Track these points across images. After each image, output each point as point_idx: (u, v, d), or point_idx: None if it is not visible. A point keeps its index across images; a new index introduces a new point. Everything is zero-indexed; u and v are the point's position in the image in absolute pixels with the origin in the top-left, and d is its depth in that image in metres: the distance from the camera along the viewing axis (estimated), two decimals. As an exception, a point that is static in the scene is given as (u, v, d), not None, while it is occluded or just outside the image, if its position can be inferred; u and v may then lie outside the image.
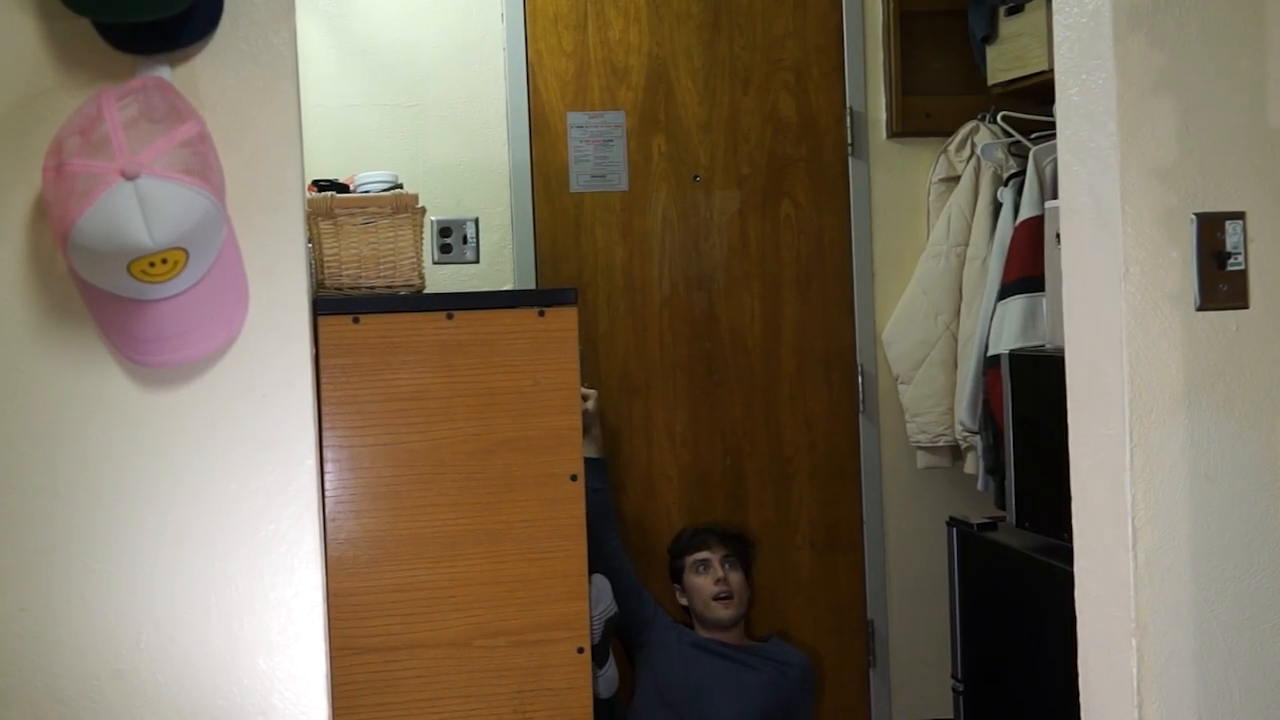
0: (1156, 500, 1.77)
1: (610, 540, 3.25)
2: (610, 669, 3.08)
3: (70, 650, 1.73)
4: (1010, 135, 3.37)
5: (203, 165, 1.60)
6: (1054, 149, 2.27)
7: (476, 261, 3.39)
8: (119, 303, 1.65)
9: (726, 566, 3.35)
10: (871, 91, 3.63)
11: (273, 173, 1.77)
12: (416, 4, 3.40)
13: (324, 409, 2.27)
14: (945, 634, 3.19)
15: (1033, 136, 3.29)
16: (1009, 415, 2.84)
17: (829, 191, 3.63)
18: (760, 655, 3.35)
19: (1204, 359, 1.78)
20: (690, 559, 3.39)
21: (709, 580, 3.35)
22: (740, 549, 3.42)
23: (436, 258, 3.35)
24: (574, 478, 2.40)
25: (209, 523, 1.76)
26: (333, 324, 2.30)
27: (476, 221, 3.39)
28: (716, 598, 3.33)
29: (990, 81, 3.43)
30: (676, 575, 3.43)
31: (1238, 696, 1.80)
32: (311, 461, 1.79)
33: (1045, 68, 3.09)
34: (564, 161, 3.52)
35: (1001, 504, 3.06)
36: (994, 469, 3.17)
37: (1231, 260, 1.77)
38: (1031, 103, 3.37)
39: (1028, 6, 3.23)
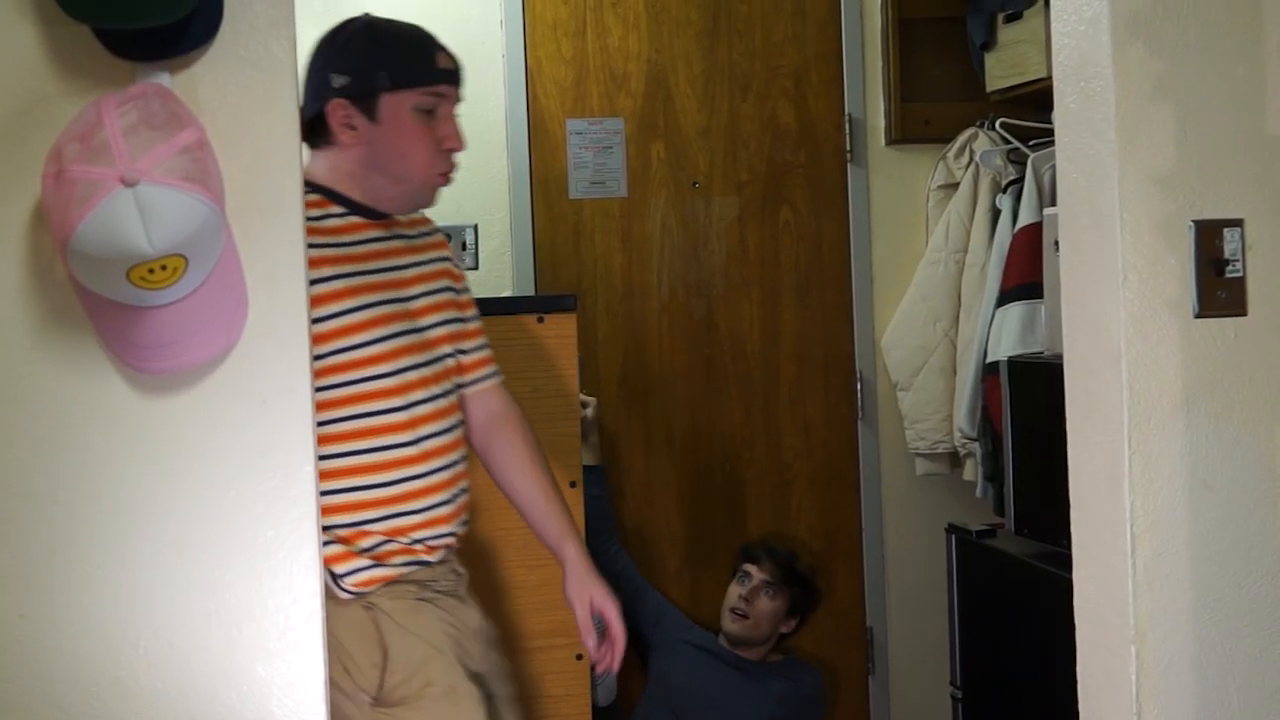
0: (1155, 507, 1.77)
1: (610, 546, 3.25)
2: (608, 677, 3.08)
3: (69, 656, 1.72)
4: (1009, 142, 3.37)
5: (202, 172, 1.60)
6: (1052, 156, 2.27)
7: (475, 268, 3.39)
8: (118, 309, 1.65)
9: (765, 592, 3.30)
10: (870, 98, 3.63)
11: (272, 179, 1.77)
12: (415, 11, 3.40)
13: (323, 415, 2.27)
14: (944, 641, 3.19)
15: (1031, 143, 3.30)
16: (1008, 422, 2.84)
17: (828, 198, 3.64)
18: (774, 670, 3.33)
19: (1202, 366, 1.78)
20: (740, 566, 3.36)
21: (737, 591, 3.33)
22: (794, 587, 3.33)
23: (436, 264, 3.34)
24: (573, 484, 2.40)
25: (208, 529, 1.76)
26: (332, 330, 2.30)
27: (476, 228, 3.40)
28: (733, 609, 3.31)
29: (989, 88, 3.43)
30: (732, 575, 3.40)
31: (1237, 704, 1.80)
32: (311, 468, 1.79)
33: (1044, 75, 3.10)
34: (563, 168, 3.52)
35: (1000, 511, 3.06)
36: (993, 476, 3.17)
37: (1230, 267, 1.78)
38: (1030, 110, 3.38)
39: (1026, 14, 3.24)
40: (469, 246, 3.39)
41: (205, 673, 1.75)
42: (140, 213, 1.52)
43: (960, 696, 3.08)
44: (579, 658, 2.39)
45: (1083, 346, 1.85)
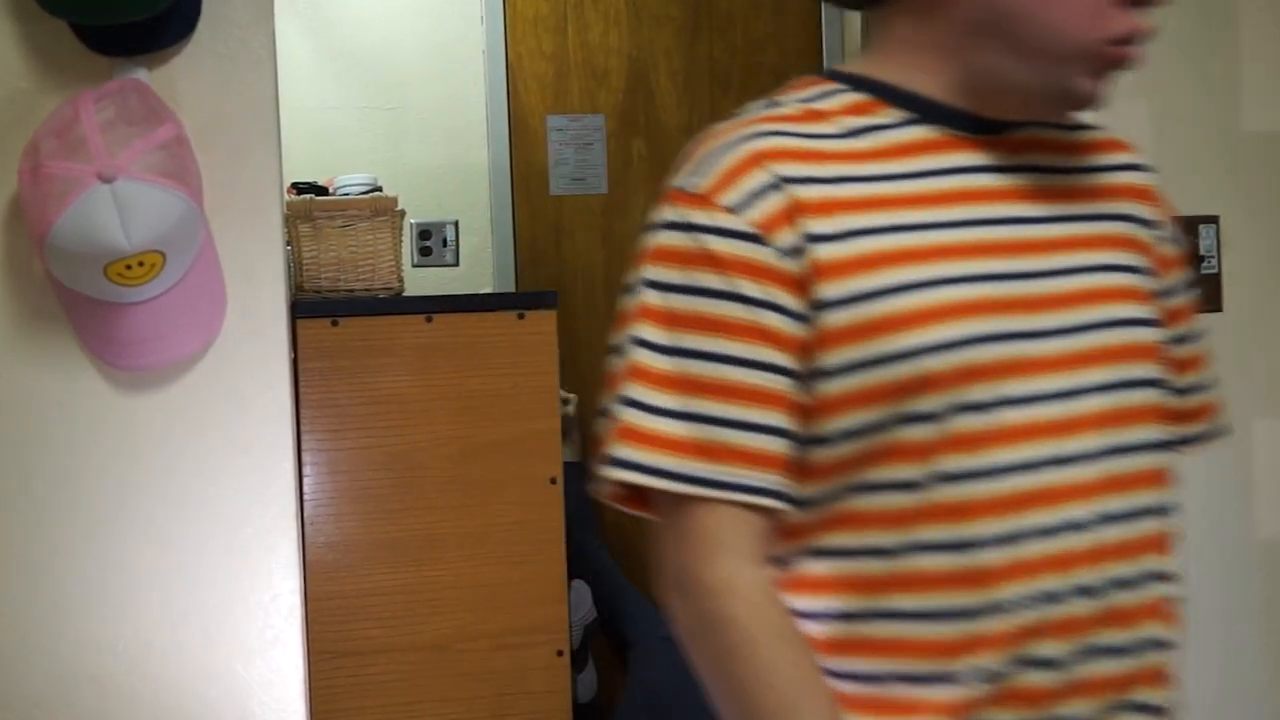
0: (1132, 502, 1.78)
1: (591, 543, 3.25)
2: (589, 673, 3.09)
3: (48, 655, 1.72)
4: (988, 139, 3.38)
5: (180, 168, 1.60)
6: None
7: (456, 264, 3.38)
8: (96, 306, 1.65)
9: None
10: (850, 95, 3.64)
11: (251, 175, 1.77)
12: (396, 6, 3.40)
13: (302, 412, 2.27)
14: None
15: (1010, 140, 3.31)
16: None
17: (808, 195, 3.64)
18: None
19: (1179, 362, 1.80)
20: None
21: None
22: None
23: (416, 260, 3.34)
24: (553, 481, 2.40)
25: (187, 526, 1.75)
26: (311, 327, 2.30)
27: (456, 224, 3.39)
28: None
29: (968, 86, 3.45)
30: None
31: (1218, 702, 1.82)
32: (290, 465, 1.79)
33: (1023, 72, 3.11)
34: (544, 164, 3.52)
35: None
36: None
37: (1205, 264, 1.79)
38: (1009, 107, 3.39)
39: (1005, 11, 3.25)
40: (449, 243, 3.39)
41: (184, 671, 1.75)
42: (118, 209, 1.52)
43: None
44: (559, 654, 2.39)
45: (1060, 343, 1.86)
